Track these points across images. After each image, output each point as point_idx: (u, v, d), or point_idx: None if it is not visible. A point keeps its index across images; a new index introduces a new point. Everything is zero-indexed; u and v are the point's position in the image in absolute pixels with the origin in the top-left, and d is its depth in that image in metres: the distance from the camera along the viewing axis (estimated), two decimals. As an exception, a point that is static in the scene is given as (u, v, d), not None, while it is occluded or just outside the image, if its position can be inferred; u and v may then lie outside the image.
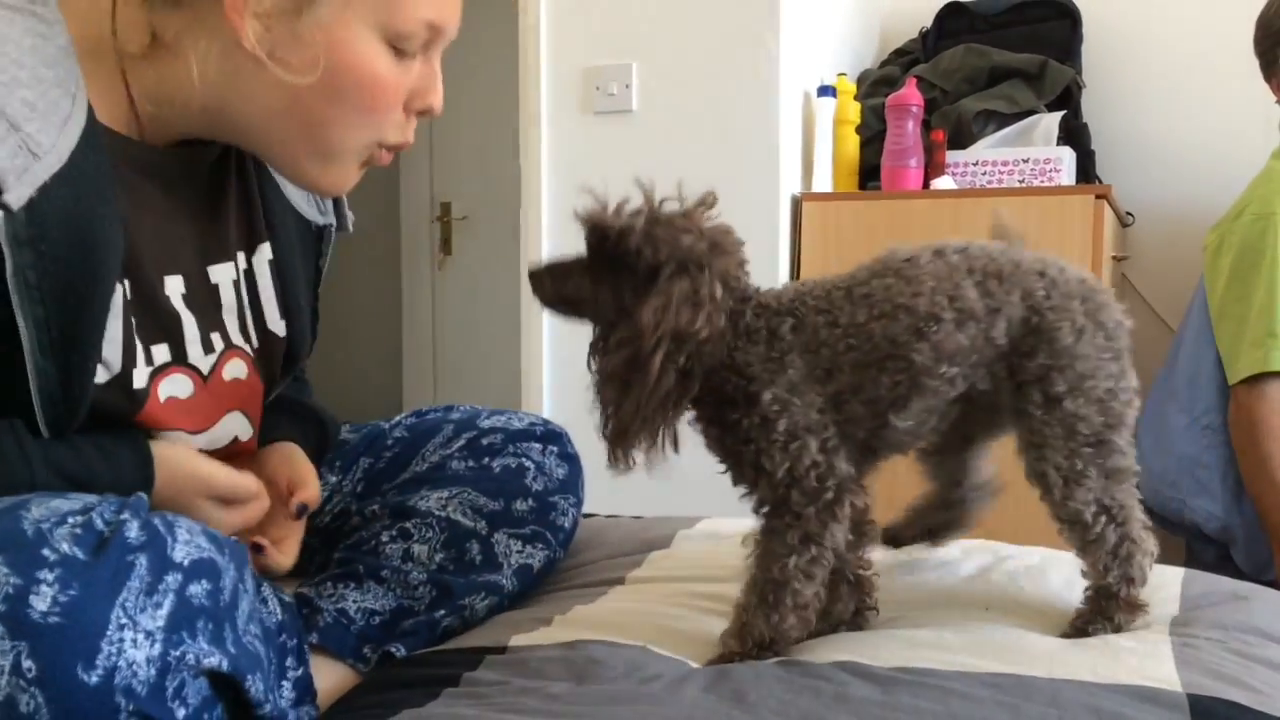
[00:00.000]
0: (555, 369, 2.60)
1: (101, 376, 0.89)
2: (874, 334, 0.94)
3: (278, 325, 1.08)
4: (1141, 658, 0.92)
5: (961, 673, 0.89)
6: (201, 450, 0.99)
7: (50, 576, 0.69)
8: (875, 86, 2.78)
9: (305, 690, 0.94)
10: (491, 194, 3.59)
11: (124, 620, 0.70)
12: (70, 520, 0.73)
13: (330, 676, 1.00)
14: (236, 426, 1.03)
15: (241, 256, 1.04)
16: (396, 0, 0.88)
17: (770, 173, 2.43)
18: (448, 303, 3.90)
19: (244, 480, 0.99)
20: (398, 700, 0.90)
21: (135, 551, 0.73)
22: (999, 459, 1.12)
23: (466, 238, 3.84)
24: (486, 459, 1.18)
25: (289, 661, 0.94)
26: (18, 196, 0.79)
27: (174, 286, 0.96)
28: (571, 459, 1.25)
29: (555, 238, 2.61)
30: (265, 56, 0.86)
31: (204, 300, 0.99)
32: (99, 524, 0.74)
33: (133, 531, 0.74)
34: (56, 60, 0.83)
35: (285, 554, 1.03)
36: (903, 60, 2.90)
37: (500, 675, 0.93)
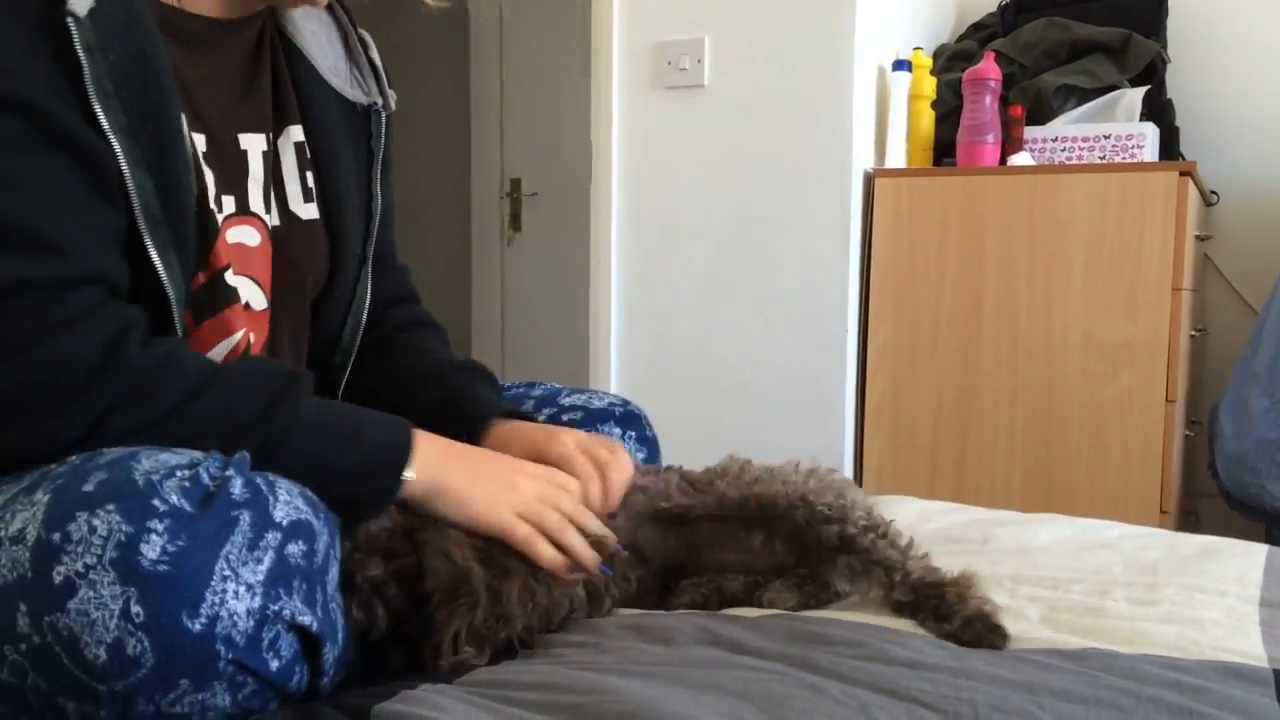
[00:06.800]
0: (623, 347, 2.60)
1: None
2: None
3: (302, 208, 1.09)
4: (1228, 631, 0.91)
5: (1038, 643, 0.89)
6: (204, 311, 0.98)
7: (160, 526, 0.72)
8: (952, 61, 2.73)
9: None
10: (562, 170, 3.59)
11: (227, 572, 0.73)
12: (178, 474, 0.76)
13: None
14: (246, 291, 1.03)
15: (270, 134, 1.07)
16: None
17: (843, 149, 2.41)
18: (517, 279, 3.91)
19: None
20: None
21: (239, 507, 0.76)
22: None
23: (536, 214, 3.84)
24: None
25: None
26: (81, 5, 0.83)
27: (195, 141, 0.98)
28: (650, 442, 1.25)
29: (625, 215, 2.61)
30: None
31: (226, 163, 1.02)
32: (205, 479, 0.77)
33: (237, 488, 0.77)
34: None
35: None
36: (980, 35, 2.84)
37: (580, 637, 0.94)
